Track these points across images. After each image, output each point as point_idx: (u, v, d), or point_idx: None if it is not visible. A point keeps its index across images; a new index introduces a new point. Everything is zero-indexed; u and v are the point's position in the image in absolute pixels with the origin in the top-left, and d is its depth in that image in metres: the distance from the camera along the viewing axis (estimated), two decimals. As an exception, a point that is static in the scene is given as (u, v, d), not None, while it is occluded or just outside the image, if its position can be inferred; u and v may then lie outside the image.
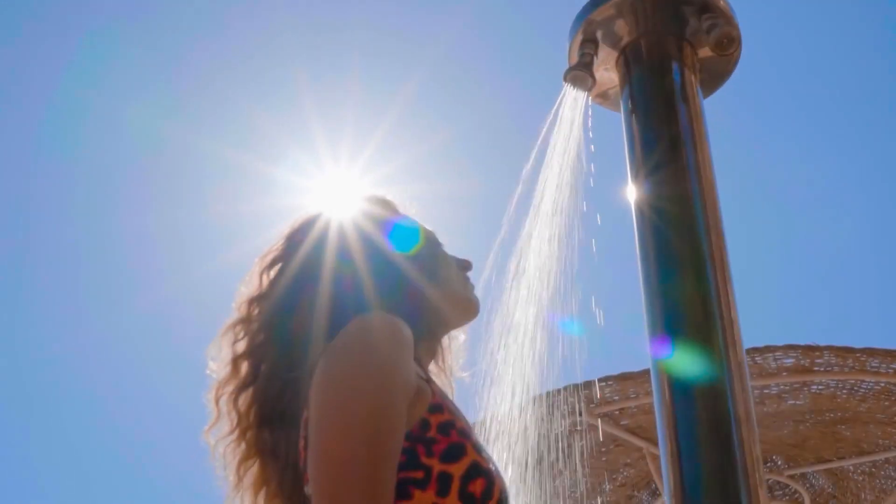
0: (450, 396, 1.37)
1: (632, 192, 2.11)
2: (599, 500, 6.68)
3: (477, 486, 1.19)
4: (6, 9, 8.82)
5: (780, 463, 6.73)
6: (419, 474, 1.18)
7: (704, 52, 2.23)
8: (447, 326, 1.49)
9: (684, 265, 2.00)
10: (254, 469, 1.33)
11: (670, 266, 2.00)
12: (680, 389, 1.85)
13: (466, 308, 1.51)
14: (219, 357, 1.36)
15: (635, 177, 2.11)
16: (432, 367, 1.47)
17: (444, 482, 1.18)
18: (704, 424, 1.82)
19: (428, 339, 1.43)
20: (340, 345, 1.22)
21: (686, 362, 1.88)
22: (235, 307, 1.38)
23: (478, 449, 1.24)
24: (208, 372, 1.35)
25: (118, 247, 10.96)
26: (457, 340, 1.56)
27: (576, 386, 5.24)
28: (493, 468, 1.24)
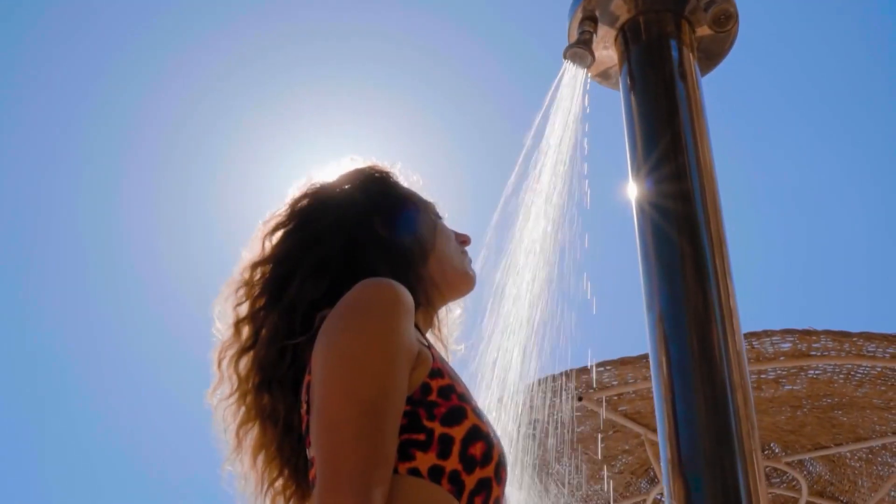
0: None
1: (630, 172, 2.11)
2: (597, 487, 6.70)
3: (477, 449, 1.20)
4: (12, 10, 8.83)
5: (777, 450, 6.75)
6: (421, 436, 1.19)
7: (702, 30, 2.23)
8: (444, 298, 1.50)
9: (683, 248, 1.99)
10: (253, 432, 1.34)
11: (669, 250, 1.99)
12: (679, 379, 1.85)
13: (463, 282, 1.52)
14: (223, 318, 1.37)
15: (634, 155, 2.11)
16: (429, 336, 1.48)
17: (446, 444, 1.19)
18: (703, 410, 1.82)
19: (425, 308, 1.44)
20: (342, 309, 1.23)
21: (685, 350, 1.88)
22: (238, 271, 1.39)
23: (477, 413, 1.25)
24: (214, 332, 1.36)
25: (123, 244, 10.98)
26: (453, 313, 1.57)
27: (574, 371, 5.26)
28: (493, 433, 1.26)
